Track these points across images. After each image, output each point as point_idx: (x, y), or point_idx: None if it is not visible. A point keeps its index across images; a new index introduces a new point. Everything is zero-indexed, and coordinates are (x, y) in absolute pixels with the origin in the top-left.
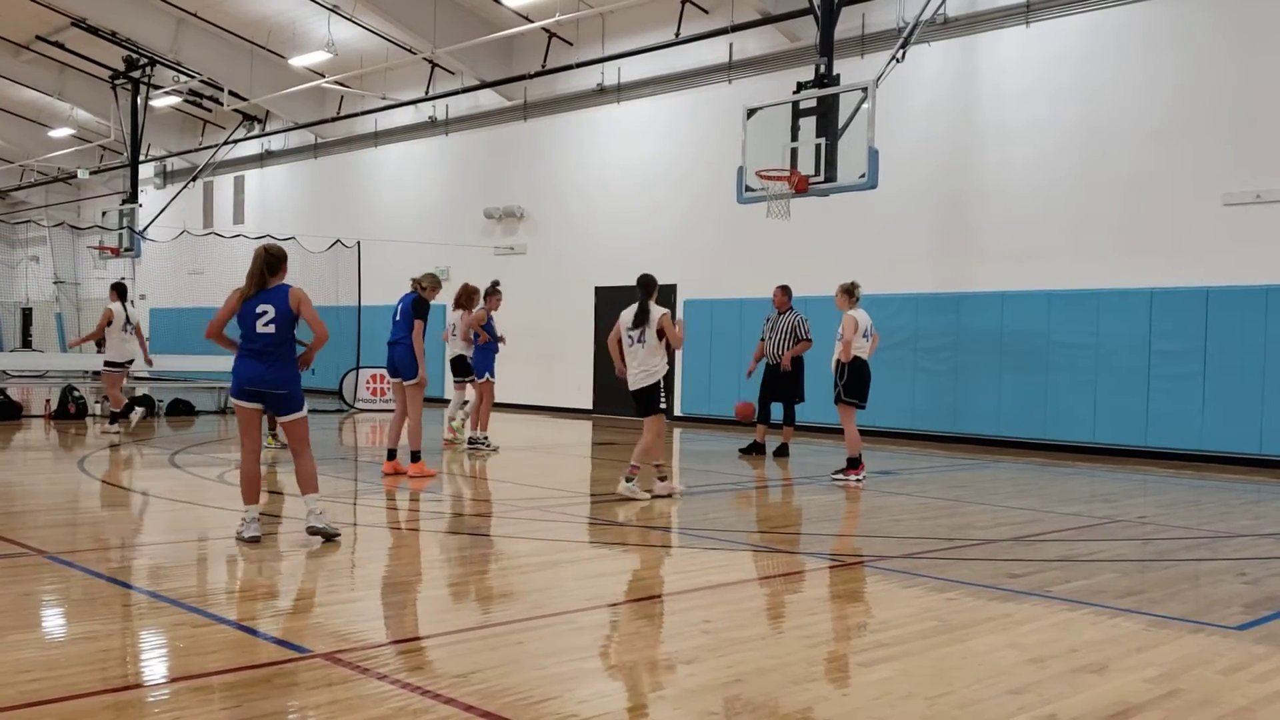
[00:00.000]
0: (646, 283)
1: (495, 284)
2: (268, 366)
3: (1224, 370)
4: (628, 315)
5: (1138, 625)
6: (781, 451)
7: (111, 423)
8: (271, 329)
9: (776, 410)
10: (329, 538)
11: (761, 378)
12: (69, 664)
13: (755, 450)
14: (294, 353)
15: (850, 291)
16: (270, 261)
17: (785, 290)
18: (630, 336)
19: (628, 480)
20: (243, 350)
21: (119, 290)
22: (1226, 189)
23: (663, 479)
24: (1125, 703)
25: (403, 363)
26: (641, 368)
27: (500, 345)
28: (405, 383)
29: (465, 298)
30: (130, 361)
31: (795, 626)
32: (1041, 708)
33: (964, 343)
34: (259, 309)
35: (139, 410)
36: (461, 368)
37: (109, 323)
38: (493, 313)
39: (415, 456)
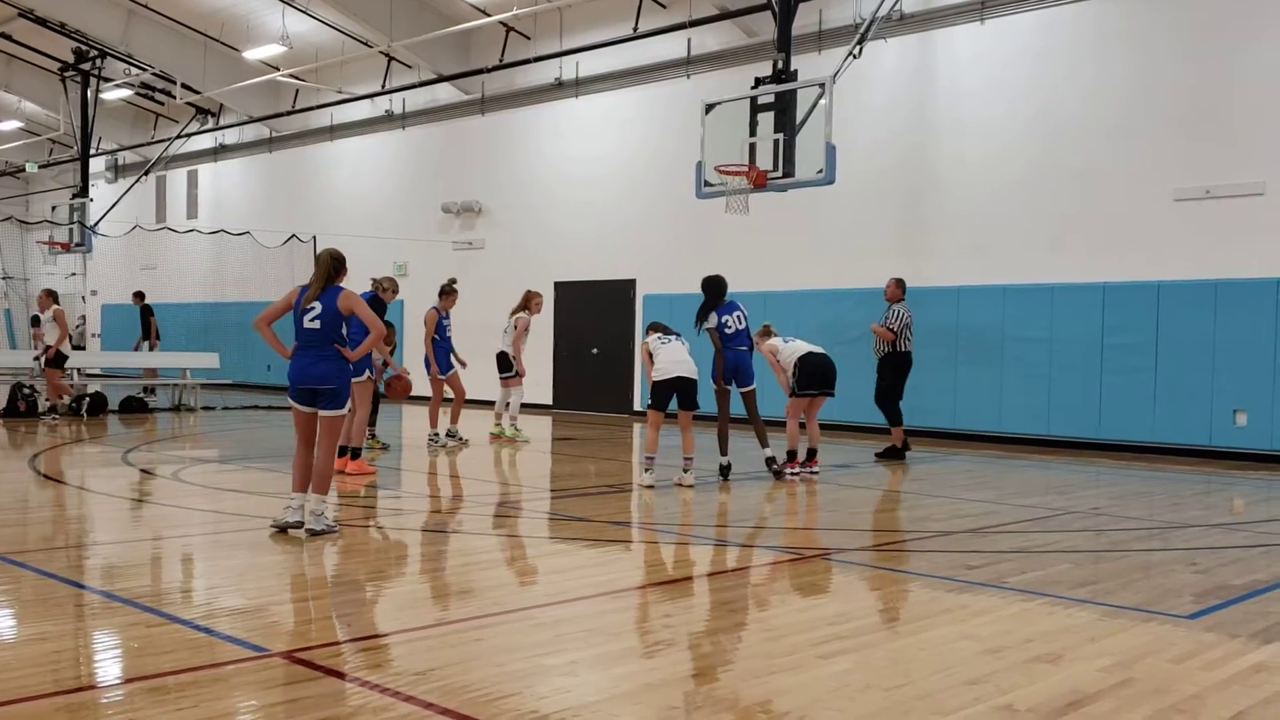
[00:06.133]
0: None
1: (452, 282)
2: (312, 362)
3: (1174, 363)
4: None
5: (1092, 615)
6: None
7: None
8: (317, 324)
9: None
10: (318, 533)
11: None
12: (21, 666)
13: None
14: (338, 351)
15: (766, 333)
16: (334, 265)
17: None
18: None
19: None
20: (296, 348)
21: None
22: (1177, 185)
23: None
24: (1079, 692)
25: (364, 362)
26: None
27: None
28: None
29: (522, 301)
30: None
31: (755, 620)
32: (998, 698)
33: (920, 337)
34: (309, 306)
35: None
36: (502, 364)
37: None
38: (448, 311)
39: (355, 454)
